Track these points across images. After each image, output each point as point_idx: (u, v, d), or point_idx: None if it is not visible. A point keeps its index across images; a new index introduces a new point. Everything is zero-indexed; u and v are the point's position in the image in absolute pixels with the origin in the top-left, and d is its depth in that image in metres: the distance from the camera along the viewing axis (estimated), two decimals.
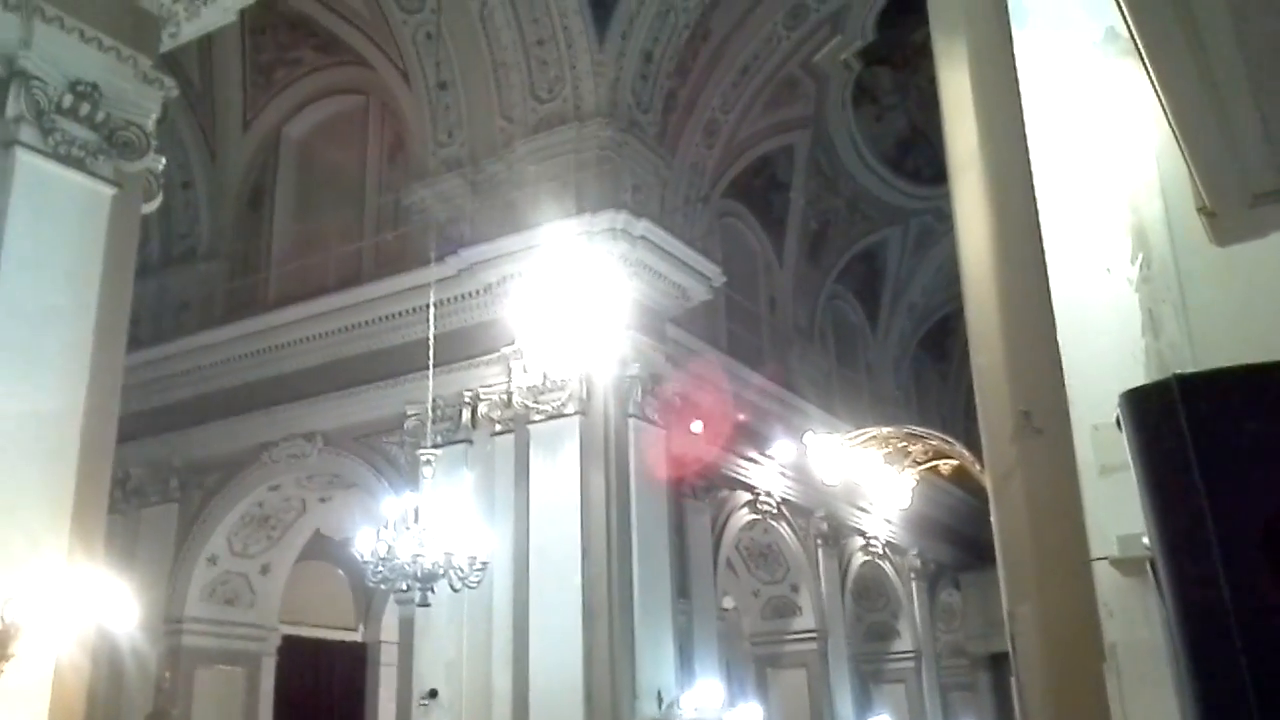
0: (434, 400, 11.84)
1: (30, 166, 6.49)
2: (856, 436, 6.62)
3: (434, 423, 12.07)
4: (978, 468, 6.05)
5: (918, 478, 6.79)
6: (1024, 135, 3.41)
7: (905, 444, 6.48)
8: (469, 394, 12.97)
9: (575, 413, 12.25)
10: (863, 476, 6.77)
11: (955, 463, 6.61)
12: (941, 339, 23.75)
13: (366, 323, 13.83)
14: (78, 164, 6.68)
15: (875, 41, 17.13)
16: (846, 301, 20.81)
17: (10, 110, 6.45)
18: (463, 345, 12.94)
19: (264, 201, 15.86)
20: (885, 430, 6.66)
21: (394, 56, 14.48)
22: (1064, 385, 3.23)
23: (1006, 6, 3.53)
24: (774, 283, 18.30)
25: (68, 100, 6.67)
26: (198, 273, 15.58)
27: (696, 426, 13.94)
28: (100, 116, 6.79)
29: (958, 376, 24.30)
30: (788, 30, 15.84)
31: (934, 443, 6.60)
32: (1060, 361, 3.25)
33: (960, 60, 3.56)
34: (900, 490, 6.86)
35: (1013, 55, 3.44)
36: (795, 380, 17.74)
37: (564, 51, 13.69)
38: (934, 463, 6.57)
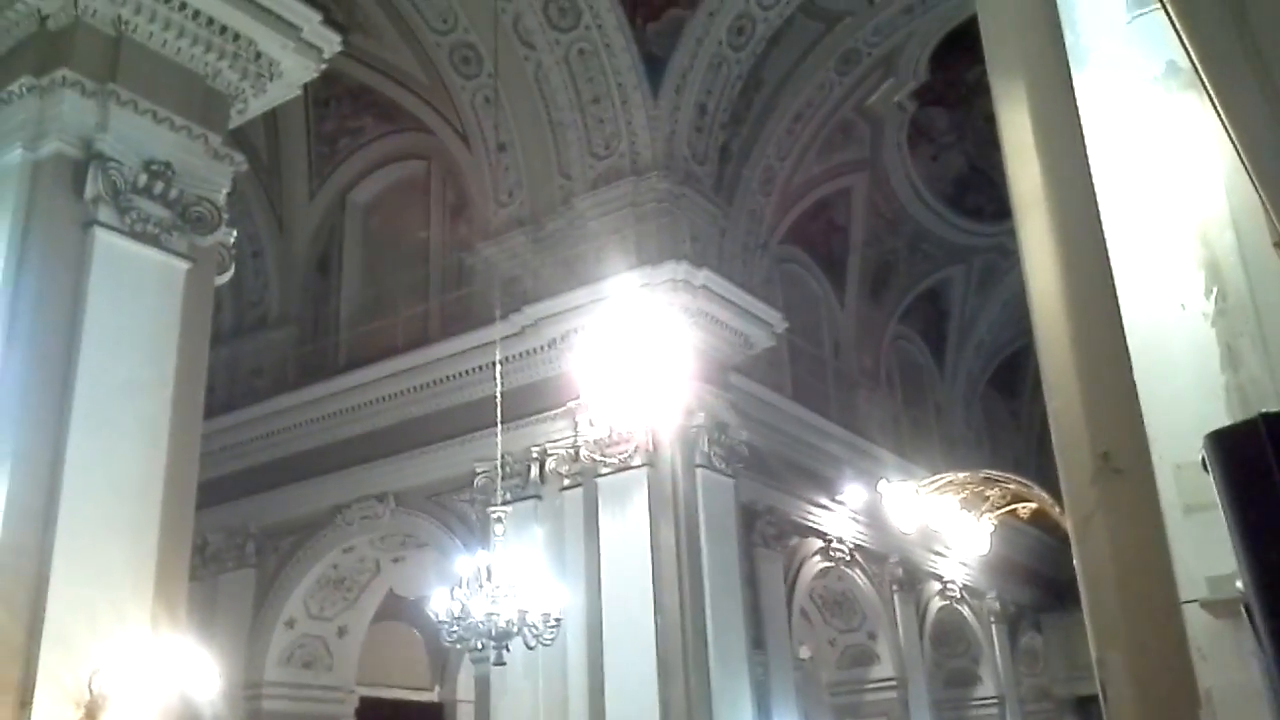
0: (503, 457, 11.92)
1: (108, 245, 6.70)
2: (932, 483, 6.53)
3: (503, 479, 12.14)
4: (1057, 510, 5.92)
5: (995, 522, 6.67)
6: (1088, 174, 3.39)
7: (982, 488, 6.37)
8: (537, 449, 13.04)
9: (642, 465, 12.24)
10: (940, 523, 6.67)
11: (1034, 505, 6.48)
12: (1011, 376, 23.41)
13: (434, 382, 14.00)
14: (153, 240, 6.89)
15: (929, 82, 17.13)
16: (912, 342, 20.63)
17: (89, 191, 6.68)
18: (529, 401, 13.03)
19: (332, 267, 16.19)
20: (961, 475, 6.56)
21: (454, 121, 14.76)
22: (1143, 425, 3.17)
23: (1064, 47, 3.53)
24: (837, 326, 18.21)
25: (143, 179, 6.89)
26: (269, 339, 15.91)
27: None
28: (174, 194, 7.00)
29: (1029, 414, 23.90)
30: (840, 76, 15.90)
31: (1011, 486, 6.48)
32: (1138, 401, 3.20)
33: (1020, 102, 3.55)
34: (979, 536, 6.74)
35: (1073, 95, 3.43)
36: (863, 424, 17.58)
37: (619, 108, 13.88)
38: (1012, 506, 6.44)
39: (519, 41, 13.85)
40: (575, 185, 13.93)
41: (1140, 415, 3.16)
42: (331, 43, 8.24)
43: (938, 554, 18.58)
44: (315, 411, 14.89)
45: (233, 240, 7.66)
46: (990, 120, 14.70)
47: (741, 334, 13.59)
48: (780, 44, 14.70)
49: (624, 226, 13.32)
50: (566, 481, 12.80)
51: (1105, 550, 3.37)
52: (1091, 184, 3.38)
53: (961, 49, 16.46)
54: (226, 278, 7.75)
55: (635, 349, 12.08)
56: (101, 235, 6.65)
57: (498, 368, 11.23)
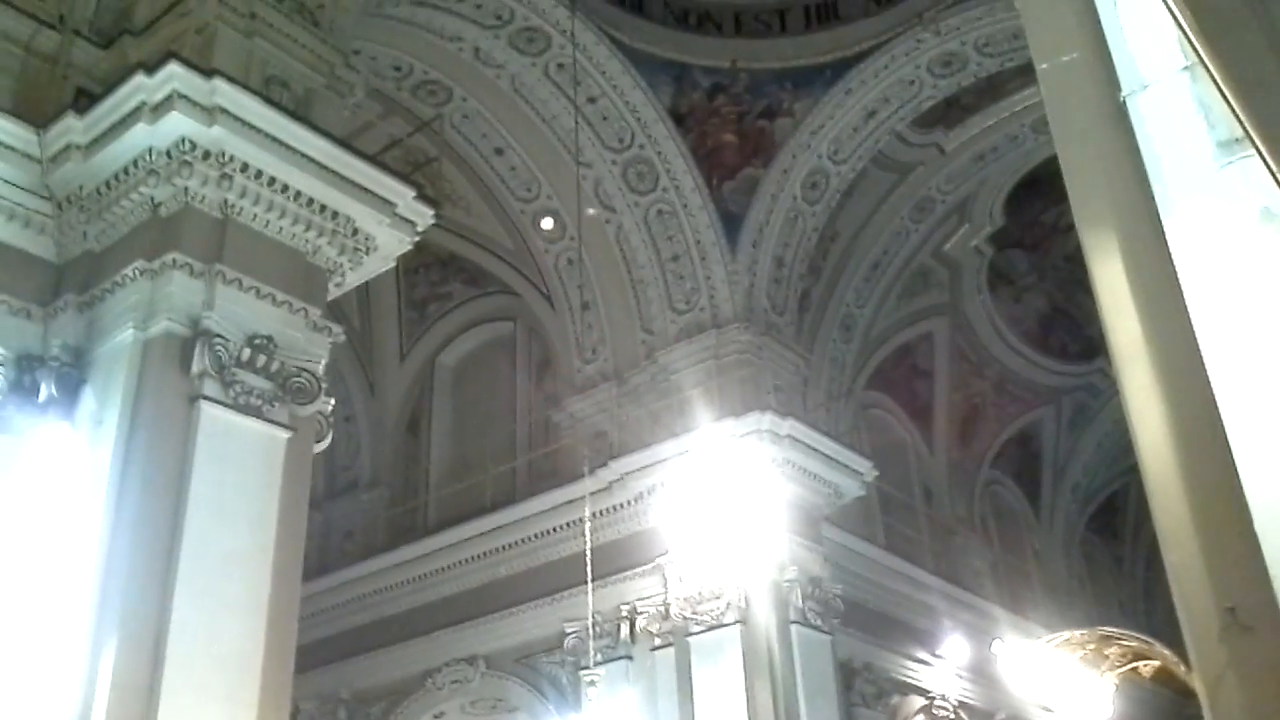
0: (593, 616, 11.78)
1: (212, 418, 6.92)
2: (1049, 642, 6.28)
3: (594, 639, 11.97)
4: (1183, 669, 5.64)
5: (1117, 681, 6.37)
6: (1189, 323, 3.35)
7: (1100, 646, 6.11)
8: (626, 608, 12.86)
9: (735, 621, 11.98)
10: (1058, 684, 6.39)
11: (1156, 663, 6.19)
12: (1110, 519, 22.67)
13: (523, 541, 13.99)
14: (255, 412, 7.10)
15: (1005, 226, 17.23)
16: (1005, 487, 20.15)
17: (195, 367, 6.94)
18: (618, 557, 12.93)
19: (421, 429, 16.48)
20: (1079, 633, 6.30)
21: (538, 283, 15.17)
22: (1269, 577, 3.05)
23: (1153, 198, 3.53)
24: (927, 473, 17.91)
25: (246, 353, 7.15)
26: (360, 502, 16.14)
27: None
28: (275, 366, 7.24)
29: (1133, 558, 23.04)
30: (915, 223, 16.09)
31: (1132, 644, 6.20)
32: (1261, 552, 3.08)
33: (1112, 254, 3.55)
34: (1100, 697, 6.43)
35: (1166, 245, 3.41)
36: (960, 573, 17.09)
37: (698, 264, 14.16)
38: (1133, 664, 6.15)
39: (600, 204, 14.30)
40: (658, 340, 14.14)
41: (1265, 567, 3.04)
42: (425, 216, 8.57)
43: (1047, 710, 17.69)
44: (405, 574, 14.93)
45: (330, 408, 7.86)
46: (1070, 260, 14.72)
47: (831, 484, 13.43)
48: (854, 195, 14.98)
49: (707, 379, 13.41)
50: (658, 640, 12.56)
51: (1239, 713, 3.20)
52: (1193, 332, 3.34)
53: (1035, 192, 16.60)
54: (324, 445, 7.93)
55: (723, 502, 11.99)
56: (207, 409, 6.88)
57: (587, 524, 11.22)
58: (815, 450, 13.14)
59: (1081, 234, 3.75)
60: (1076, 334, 19.36)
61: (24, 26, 8.25)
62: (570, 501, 13.12)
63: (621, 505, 13.24)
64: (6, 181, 7.58)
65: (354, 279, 8.63)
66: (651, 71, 13.98)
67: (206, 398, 6.90)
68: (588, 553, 10.74)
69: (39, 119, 7.70)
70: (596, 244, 14.31)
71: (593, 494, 12.39)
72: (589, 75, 13.55)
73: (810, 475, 13.13)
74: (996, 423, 19.40)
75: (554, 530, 13.72)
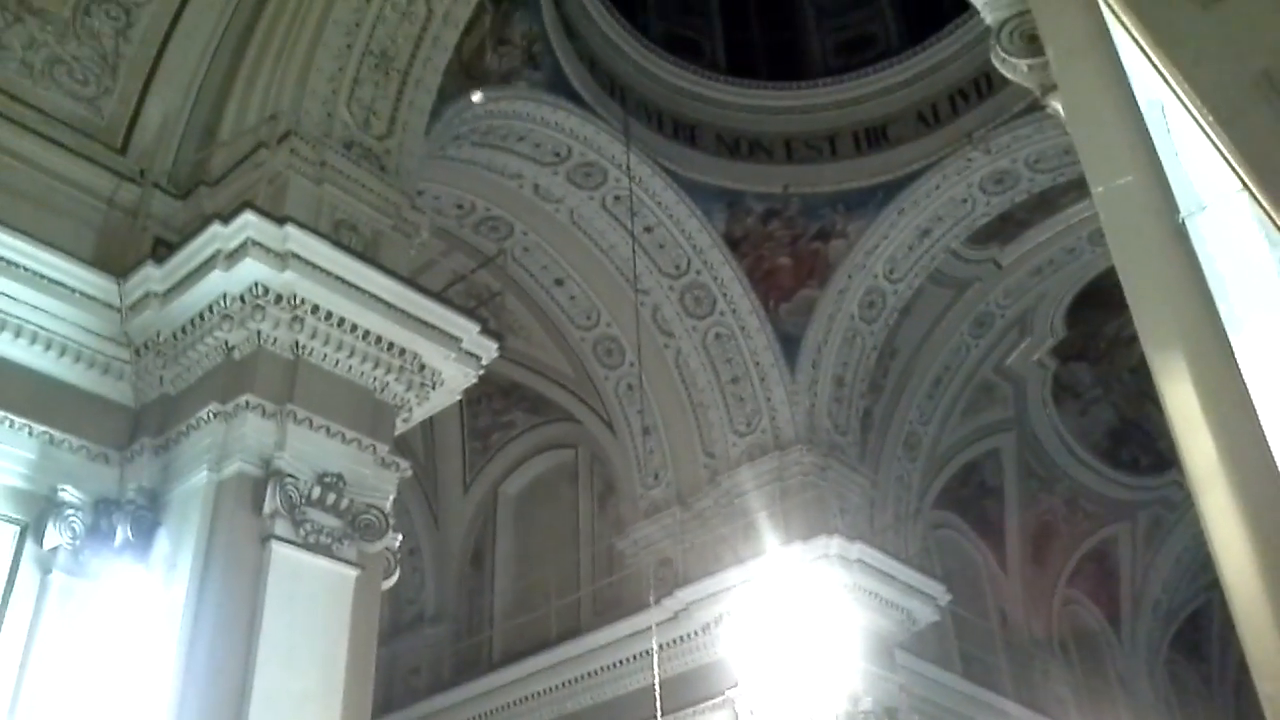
0: None
1: (283, 558, 6.96)
2: None
3: None
4: None
5: None
6: (1265, 443, 3.29)
7: None
8: None
9: None
10: None
11: None
12: (1195, 637, 21.78)
13: (589, 675, 13.76)
14: (325, 550, 7.14)
15: (1066, 338, 17.10)
16: (1083, 606, 19.51)
17: (267, 507, 7.02)
18: (687, 690, 12.64)
19: (485, 561, 16.43)
20: None
21: (599, 409, 15.26)
22: None
23: (1219, 316, 3.51)
24: (1001, 594, 17.44)
25: (316, 492, 7.22)
26: (425, 637, 16.01)
27: None
28: (344, 504, 7.30)
29: (1221, 678, 22.05)
30: (975, 339, 16.03)
31: None
32: None
33: (1182, 376, 3.50)
34: None
35: (1236, 364, 3.38)
36: (1040, 699, 16.48)
37: (758, 385, 14.19)
38: None
39: (658, 330, 14.47)
40: (720, 463, 14.10)
41: None
42: (489, 350, 8.71)
43: None
44: (471, 710, 14.73)
45: (398, 544, 7.90)
46: (1135, 372, 14.49)
47: (903, 609, 13.11)
48: (912, 313, 15.00)
49: (772, 502, 13.30)
50: None
51: None
52: (1269, 453, 3.28)
53: (1095, 304, 16.50)
54: (392, 582, 7.94)
55: (793, 630, 11.74)
56: (278, 549, 6.92)
57: (655, 657, 11.01)
58: (886, 574, 12.88)
59: (1149, 356, 3.72)
60: (1148, 447, 18.96)
61: (106, 181, 8.64)
62: (636, 633, 12.95)
63: (689, 636, 13.02)
64: (87, 330, 7.83)
65: (420, 414, 8.73)
66: (705, 199, 14.28)
67: (278, 537, 6.95)
68: (657, 687, 10.51)
69: (119, 269, 7.98)
70: (656, 369, 14.41)
71: (659, 625, 12.19)
72: (645, 205, 13.86)
73: (882, 600, 12.85)
74: (1070, 540, 18.91)
75: (620, 663, 13.50)
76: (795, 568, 12.35)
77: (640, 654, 12.70)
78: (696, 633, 12.97)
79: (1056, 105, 4.50)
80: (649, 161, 13.72)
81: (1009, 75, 4.90)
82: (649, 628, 11.72)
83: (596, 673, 13.72)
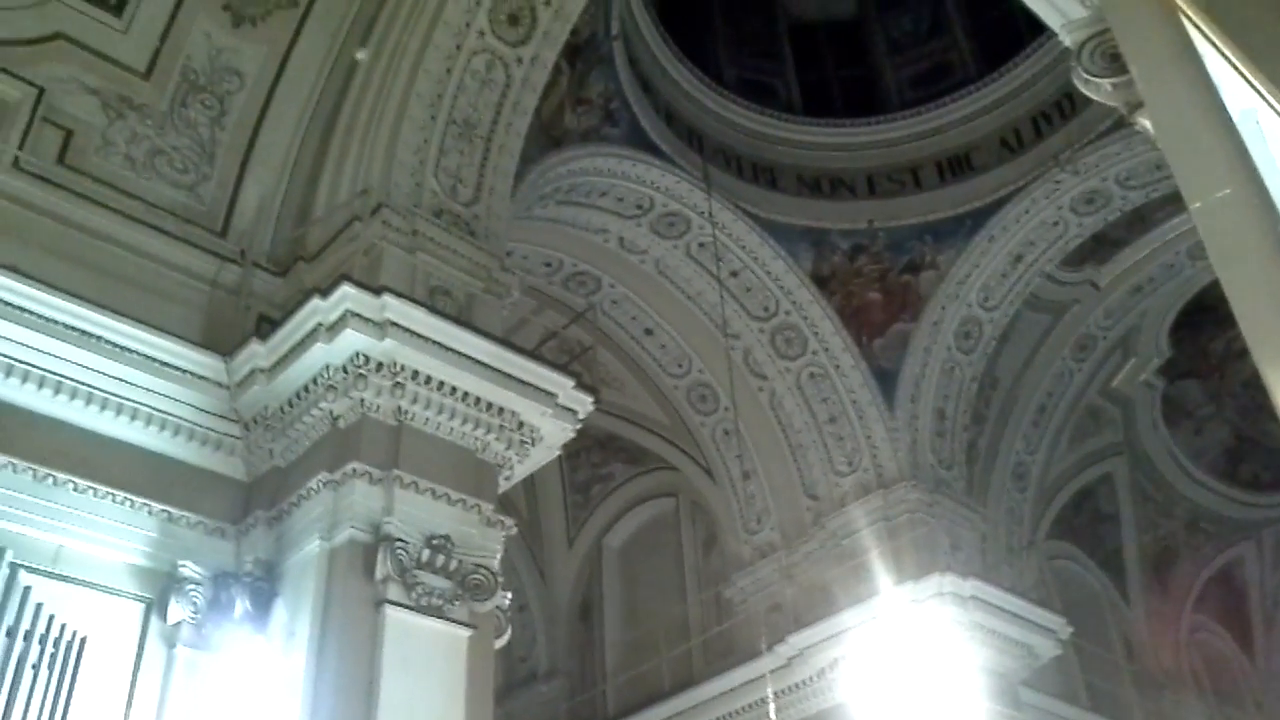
0: None
1: (397, 621, 7.06)
2: None
3: None
4: None
5: None
6: None
7: None
8: None
9: None
10: None
11: None
12: None
13: None
14: (436, 612, 7.22)
15: (1173, 356, 16.63)
16: (1212, 632, 18.73)
17: (379, 572, 7.14)
18: None
19: (593, 614, 16.42)
20: None
21: (697, 456, 15.23)
22: None
23: None
24: (1124, 623, 16.86)
25: (425, 554, 7.32)
26: (540, 694, 16.00)
27: None
28: (453, 565, 7.39)
29: None
30: (1078, 362, 15.67)
31: None
32: None
33: None
34: None
35: None
36: None
37: (856, 424, 14.04)
38: None
39: (751, 374, 14.43)
40: (824, 505, 13.95)
41: None
42: (585, 404, 8.78)
43: None
44: None
45: (507, 602, 7.95)
46: (1249, 386, 13.99)
47: (1024, 644, 12.73)
48: (1010, 340, 14.75)
49: (880, 542, 13.09)
50: None
51: None
52: None
53: (1201, 320, 16.04)
54: (504, 640, 7.98)
55: (912, 672, 11.49)
56: (391, 613, 7.02)
57: (771, 705, 10.88)
58: (1003, 610, 12.53)
59: (1263, 370, 3.61)
60: (1268, 462, 18.25)
61: (210, 264, 8.96)
62: (750, 681, 12.81)
63: (805, 682, 12.81)
64: (198, 408, 8.09)
65: (521, 471, 8.82)
66: (790, 240, 14.26)
67: (391, 601, 7.06)
68: None
69: (225, 347, 8.25)
70: (751, 413, 14.36)
71: (773, 672, 12.05)
72: (730, 250, 13.90)
73: (1001, 637, 12.49)
74: (1193, 564, 18.22)
75: (736, 712, 13.32)
76: (909, 608, 12.11)
77: (756, 702, 12.55)
78: (812, 678, 12.75)
79: (1144, 122, 4.42)
80: (731, 206, 13.77)
81: (1092, 95, 4.84)
82: (763, 675, 11.60)
83: None
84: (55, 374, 7.50)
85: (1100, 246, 14.53)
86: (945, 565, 12.49)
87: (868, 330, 14.33)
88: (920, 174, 14.73)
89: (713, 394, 14.74)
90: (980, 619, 12.26)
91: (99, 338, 7.62)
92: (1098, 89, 4.71)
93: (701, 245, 13.78)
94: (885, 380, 14.13)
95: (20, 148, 8.38)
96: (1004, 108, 14.52)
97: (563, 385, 8.58)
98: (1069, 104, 13.67)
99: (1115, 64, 4.55)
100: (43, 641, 6.66)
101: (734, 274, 14.04)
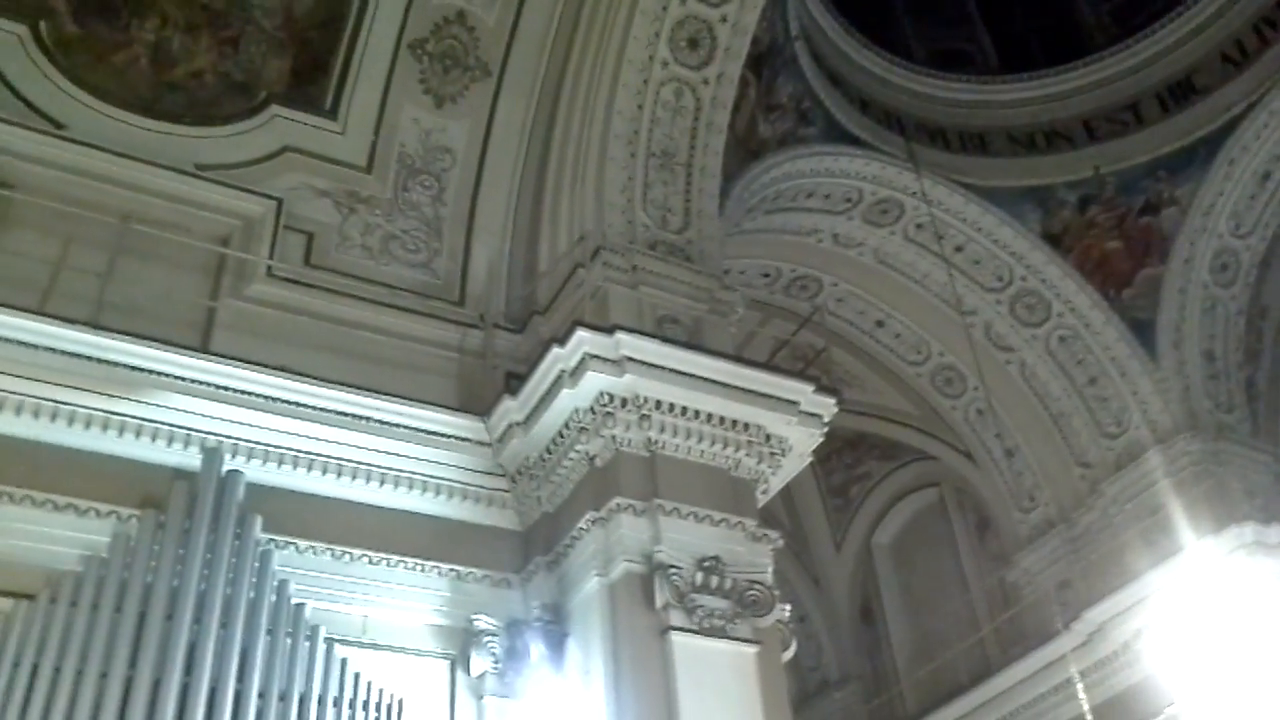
0: None
1: (683, 646, 7.18)
2: None
3: None
4: None
5: None
6: None
7: None
8: None
9: None
10: None
11: None
12: None
13: (1009, 715, 13.13)
14: (720, 633, 7.30)
15: None
16: None
17: (659, 600, 7.28)
18: (1119, 716, 11.76)
19: (874, 615, 16.20)
20: None
21: (953, 442, 14.84)
22: None
23: None
24: None
25: (699, 577, 7.42)
26: (836, 702, 15.91)
27: None
28: (728, 584, 7.46)
29: None
30: None
31: None
32: None
33: None
34: None
35: None
36: None
37: (1119, 381, 13.37)
38: None
39: (995, 348, 13.98)
40: (1097, 471, 13.34)
41: None
42: (828, 407, 8.70)
43: None
44: None
45: (787, 614, 7.95)
46: None
47: None
48: (1273, 265, 13.73)
49: (1166, 501, 12.37)
50: None
51: None
52: None
53: None
54: (791, 653, 8.00)
55: (1226, 633, 10.74)
56: (677, 638, 7.14)
57: (1079, 685, 10.36)
58: None
59: None
60: None
61: (454, 333, 9.47)
62: (1049, 664, 12.35)
63: (1108, 658, 12.16)
64: (466, 469, 8.52)
65: (777, 483, 8.83)
66: (1012, 203, 13.78)
67: (675, 628, 7.18)
68: (1087, 716, 9.87)
69: (481, 408, 8.66)
70: (1003, 388, 13.88)
71: (1073, 651, 11.52)
72: (950, 226, 13.55)
73: None
74: None
75: (1040, 698, 12.82)
76: (1210, 566, 11.33)
77: (1059, 685, 12.08)
78: (1116, 652, 12.10)
79: None
80: (943, 181, 13.41)
81: None
82: (1063, 656, 11.13)
83: (1016, 712, 13.09)
84: (336, 459, 8.08)
85: None
86: (1243, 515, 11.68)
87: (1114, 281, 13.63)
88: (1140, 109, 13.94)
89: (958, 375, 14.34)
90: None
91: (368, 418, 8.16)
92: None
93: (919, 226, 13.46)
94: (1142, 330, 13.40)
95: (270, 257, 9.12)
96: (1221, 20, 13.56)
97: (803, 392, 8.55)
98: None
99: None
100: (365, 708, 7.11)
101: (959, 249, 13.64)
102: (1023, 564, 13.74)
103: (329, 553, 7.71)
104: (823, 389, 8.74)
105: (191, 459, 7.58)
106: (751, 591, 7.57)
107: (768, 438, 8.49)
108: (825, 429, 8.83)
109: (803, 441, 8.75)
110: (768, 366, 8.93)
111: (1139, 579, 11.92)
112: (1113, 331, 13.38)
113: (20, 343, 7.32)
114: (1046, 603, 12.71)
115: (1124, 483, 12.89)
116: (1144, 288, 13.46)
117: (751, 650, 7.36)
